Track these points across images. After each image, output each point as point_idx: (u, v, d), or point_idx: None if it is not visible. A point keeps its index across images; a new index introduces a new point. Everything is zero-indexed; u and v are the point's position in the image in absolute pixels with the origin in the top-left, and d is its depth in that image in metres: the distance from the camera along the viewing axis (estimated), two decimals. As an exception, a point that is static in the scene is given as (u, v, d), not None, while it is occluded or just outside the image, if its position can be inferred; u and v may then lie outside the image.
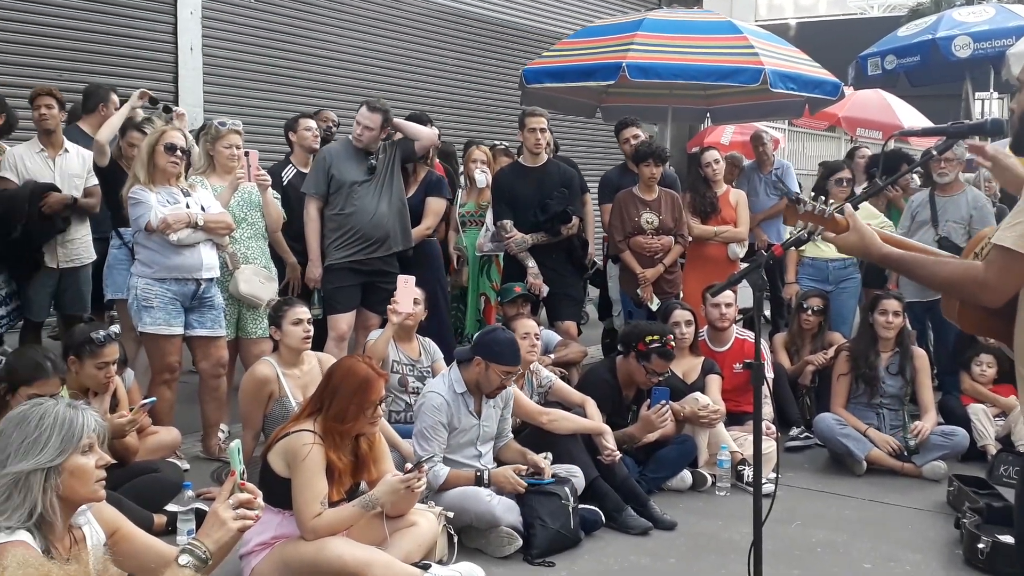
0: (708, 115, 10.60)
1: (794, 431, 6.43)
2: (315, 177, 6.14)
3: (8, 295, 6.12)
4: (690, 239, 7.12)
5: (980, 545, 4.36)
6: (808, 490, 5.57)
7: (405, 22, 11.71)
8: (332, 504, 3.79)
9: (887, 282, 7.28)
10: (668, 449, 5.45)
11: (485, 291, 7.21)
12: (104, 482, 2.54)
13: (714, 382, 5.85)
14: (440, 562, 4.09)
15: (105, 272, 6.06)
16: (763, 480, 3.46)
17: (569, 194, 6.73)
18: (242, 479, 2.56)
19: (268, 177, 5.81)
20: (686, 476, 5.46)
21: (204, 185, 5.53)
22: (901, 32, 9.87)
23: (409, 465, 4.05)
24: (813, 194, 2.91)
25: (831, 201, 3.00)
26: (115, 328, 4.80)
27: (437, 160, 7.21)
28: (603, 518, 4.76)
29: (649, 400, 5.33)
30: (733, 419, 5.91)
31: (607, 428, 5.11)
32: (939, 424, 6.02)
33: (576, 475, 4.78)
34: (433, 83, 12.01)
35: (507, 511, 4.45)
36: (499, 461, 4.85)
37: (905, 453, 5.81)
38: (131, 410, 4.72)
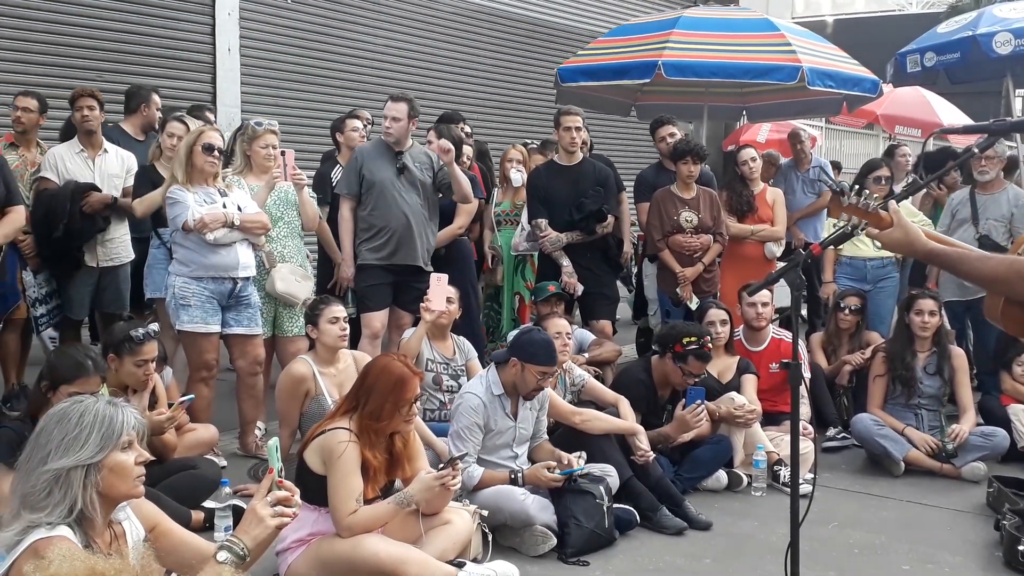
0: (744, 113, 10.56)
1: (831, 431, 6.37)
2: (347, 177, 6.17)
3: (48, 293, 6.23)
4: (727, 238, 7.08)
5: (1020, 547, 4.30)
6: (845, 491, 5.52)
7: (440, 22, 11.75)
8: (367, 502, 3.80)
9: (927, 281, 7.20)
10: (703, 449, 5.42)
11: (519, 290, 7.21)
12: (143, 478, 2.56)
13: (749, 382, 5.81)
14: (475, 560, 4.09)
15: (145, 272, 6.12)
16: (800, 481, 3.43)
17: (605, 193, 6.71)
18: (280, 477, 2.59)
19: (304, 176, 5.85)
20: (721, 476, 5.44)
21: (241, 185, 5.58)
22: (940, 29, 9.73)
23: (443, 463, 4.06)
24: (857, 187, 2.86)
25: (875, 195, 2.96)
26: (154, 326, 4.84)
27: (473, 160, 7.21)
28: (638, 518, 4.75)
29: (684, 400, 5.30)
30: (769, 419, 5.87)
31: (640, 428, 5.09)
32: (979, 424, 5.95)
33: (611, 474, 4.76)
34: (468, 82, 12.05)
35: (541, 510, 4.46)
36: (532, 461, 4.85)
37: (944, 455, 5.75)
38: (170, 407, 4.78)
